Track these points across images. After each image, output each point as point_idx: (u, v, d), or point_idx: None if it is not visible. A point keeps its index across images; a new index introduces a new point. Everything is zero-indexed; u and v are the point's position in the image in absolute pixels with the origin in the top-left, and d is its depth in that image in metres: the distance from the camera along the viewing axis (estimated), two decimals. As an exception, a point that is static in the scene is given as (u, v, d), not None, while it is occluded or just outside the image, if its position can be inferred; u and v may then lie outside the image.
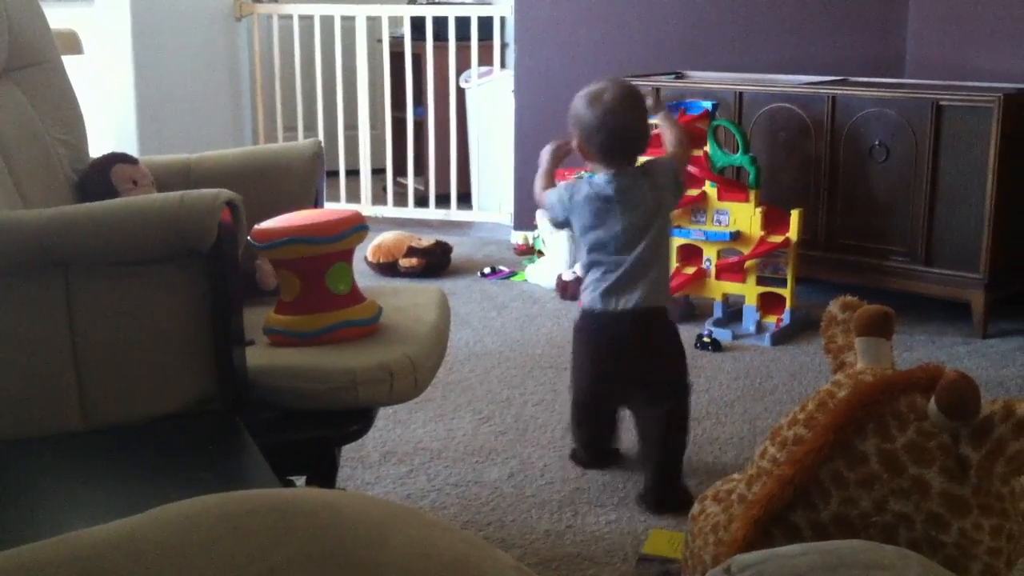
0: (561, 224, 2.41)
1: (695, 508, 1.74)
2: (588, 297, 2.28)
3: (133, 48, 4.78)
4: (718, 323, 3.43)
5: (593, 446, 2.44)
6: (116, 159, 2.11)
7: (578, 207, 2.32)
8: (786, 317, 3.36)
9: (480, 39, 4.86)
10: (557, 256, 4.00)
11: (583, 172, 4.30)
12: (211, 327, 1.63)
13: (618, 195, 2.27)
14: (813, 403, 1.58)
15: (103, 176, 2.05)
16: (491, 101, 4.96)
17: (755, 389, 2.94)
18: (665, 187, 2.33)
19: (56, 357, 1.58)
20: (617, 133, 2.29)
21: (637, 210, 2.27)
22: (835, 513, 1.51)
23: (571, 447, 2.49)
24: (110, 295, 1.60)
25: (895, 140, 3.43)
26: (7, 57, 1.99)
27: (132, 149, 4.57)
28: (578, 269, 3.87)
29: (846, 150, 3.53)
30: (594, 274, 2.28)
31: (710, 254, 3.45)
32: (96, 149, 2.21)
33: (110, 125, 4.74)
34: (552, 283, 3.93)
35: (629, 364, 2.27)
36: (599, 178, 2.32)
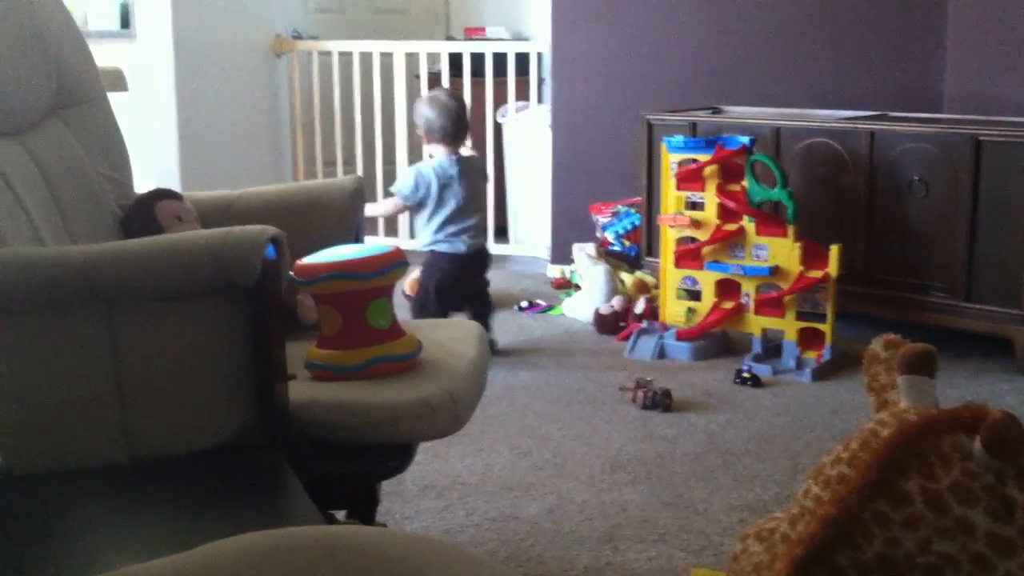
0: (418, 203, 3.52)
1: (737, 547, 1.73)
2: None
3: (176, 84, 4.86)
4: (757, 358, 3.41)
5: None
6: (161, 195, 2.14)
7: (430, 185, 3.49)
8: (826, 352, 3.34)
9: (517, 74, 4.90)
10: (594, 290, 4.00)
11: (618, 206, 4.31)
12: (253, 361, 1.64)
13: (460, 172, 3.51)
14: (856, 442, 1.57)
15: (148, 212, 2.07)
16: (527, 136, 4.98)
17: (796, 425, 2.92)
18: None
19: (101, 390, 1.60)
20: (453, 119, 3.50)
21: (471, 183, 3.54)
22: (879, 553, 1.49)
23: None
24: (154, 330, 1.62)
25: (934, 175, 3.41)
26: (55, 96, 2.03)
27: (174, 183, 4.63)
28: (615, 302, 3.87)
29: (885, 185, 3.52)
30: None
31: (748, 289, 3.44)
32: (139, 184, 2.24)
33: (153, 160, 4.81)
34: (589, 317, 3.93)
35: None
36: (443, 160, 3.51)
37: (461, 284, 3.53)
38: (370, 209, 3.63)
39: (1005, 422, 1.46)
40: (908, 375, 1.64)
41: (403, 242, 4.99)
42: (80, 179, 2.01)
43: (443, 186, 3.49)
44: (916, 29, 3.97)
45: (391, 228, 5.16)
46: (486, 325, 3.52)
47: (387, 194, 3.85)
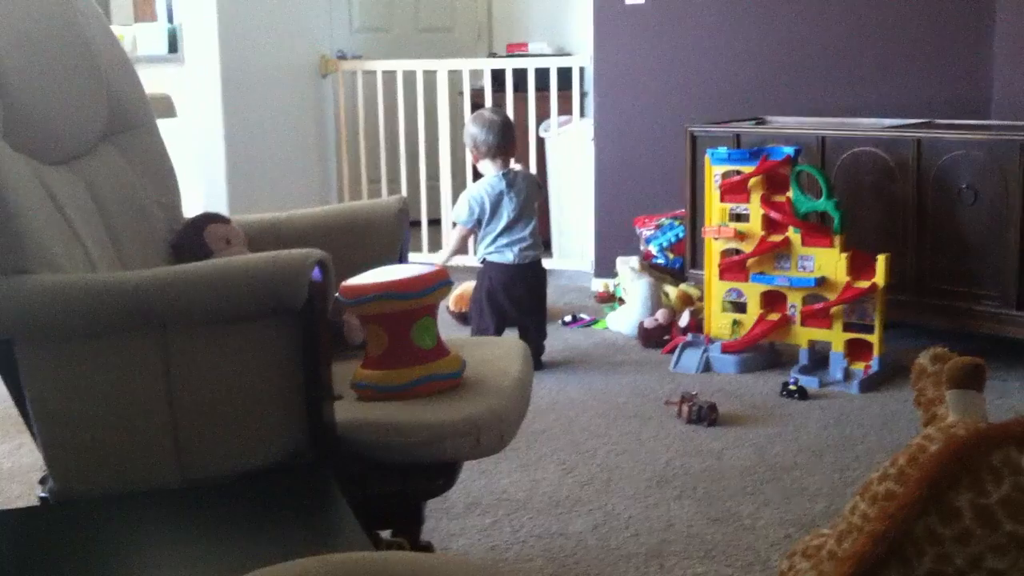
0: (476, 223, 3.61)
1: (784, 564, 1.72)
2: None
3: (223, 107, 4.94)
4: (804, 370, 3.38)
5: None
6: (209, 219, 2.17)
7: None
8: (874, 364, 3.31)
9: (559, 89, 4.91)
10: (638, 303, 3.99)
11: (662, 219, 4.30)
12: (301, 382, 1.67)
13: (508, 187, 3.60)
14: (904, 457, 1.56)
15: (197, 236, 2.11)
16: (570, 149, 4.99)
17: (844, 438, 2.90)
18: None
19: (154, 413, 1.63)
20: (498, 133, 3.58)
21: (521, 195, 3.60)
22: (929, 570, 1.47)
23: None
24: (205, 353, 1.65)
25: (983, 182, 3.37)
26: (107, 122, 2.07)
27: (222, 206, 4.71)
28: (660, 315, 3.86)
29: (933, 193, 3.48)
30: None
31: (795, 300, 3.42)
32: (188, 208, 2.28)
33: (202, 184, 4.89)
34: (633, 330, 3.92)
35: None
36: (491, 178, 3.60)
37: (512, 294, 3.56)
38: (444, 252, 3.95)
39: (1056, 436, 1.44)
40: (956, 389, 1.63)
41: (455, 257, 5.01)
42: (131, 205, 2.05)
43: (495, 203, 3.58)
44: (962, 35, 3.93)
45: (435, 244, 5.19)
46: (538, 342, 3.55)
47: (452, 225, 4.03)
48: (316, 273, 1.64)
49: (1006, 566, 1.43)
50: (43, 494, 1.72)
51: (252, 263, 1.65)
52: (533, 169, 4.95)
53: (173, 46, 4.97)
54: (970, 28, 3.91)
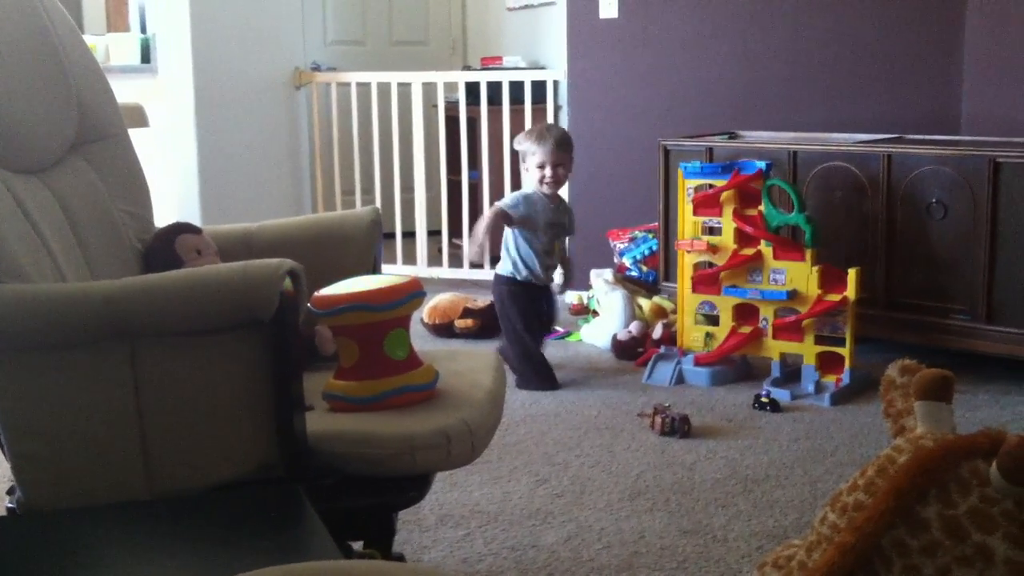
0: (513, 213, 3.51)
1: (755, 575, 1.72)
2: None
3: (196, 118, 4.92)
4: (776, 383, 3.40)
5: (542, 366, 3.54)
6: (180, 229, 2.16)
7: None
8: (845, 377, 3.33)
9: (534, 102, 4.93)
10: (612, 316, 4.00)
11: (636, 232, 4.32)
12: (272, 394, 1.66)
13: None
14: (873, 468, 1.57)
15: (168, 246, 2.10)
16: (545, 163, 4.99)
17: (815, 451, 2.91)
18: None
19: (121, 425, 1.62)
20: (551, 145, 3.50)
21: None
22: (898, 581, 1.48)
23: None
24: (175, 364, 1.64)
25: (953, 197, 3.41)
26: (76, 132, 2.06)
27: (194, 216, 4.69)
28: (633, 328, 3.87)
29: (903, 208, 3.51)
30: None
31: (767, 313, 3.43)
32: (160, 218, 2.27)
33: (173, 194, 4.87)
34: (607, 343, 3.93)
35: None
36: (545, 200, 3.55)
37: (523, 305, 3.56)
38: (478, 228, 3.54)
39: (1022, 448, 1.45)
40: (925, 401, 1.64)
41: (420, 269, 5.02)
42: (101, 215, 2.04)
43: (532, 216, 3.52)
44: (932, 51, 3.98)
45: (409, 256, 5.19)
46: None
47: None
48: (287, 284, 1.64)
49: (973, 577, 1.44)
50: (10, 505, 1.70)
51: (222, 273, 1.65)
52: (507, 182, 4.97)
53: (146, 56, 4.95)
54: (940, 45, 3.96)
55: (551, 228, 3.55)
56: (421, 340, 3.77)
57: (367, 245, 2.26)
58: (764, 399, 3.25)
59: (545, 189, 3.52)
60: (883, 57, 4.06)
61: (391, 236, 5.14)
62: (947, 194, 3.42)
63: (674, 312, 3.86)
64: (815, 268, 3.34)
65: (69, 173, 2.01)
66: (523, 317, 3.54)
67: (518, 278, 3.54)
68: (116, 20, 5.51)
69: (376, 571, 0.80)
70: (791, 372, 3.44)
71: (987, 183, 3.31)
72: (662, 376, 3.54)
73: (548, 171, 3.49)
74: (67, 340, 1.61)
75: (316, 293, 1.86)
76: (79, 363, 1.61)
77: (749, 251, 3.44)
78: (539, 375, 3.53)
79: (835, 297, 3.30)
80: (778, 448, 2.93)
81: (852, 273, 3.29)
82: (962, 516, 1.47)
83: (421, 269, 5.06)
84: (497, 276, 3.64)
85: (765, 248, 3.42)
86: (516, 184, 5.12)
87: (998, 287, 3.34)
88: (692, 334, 3.59)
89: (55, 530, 1.47)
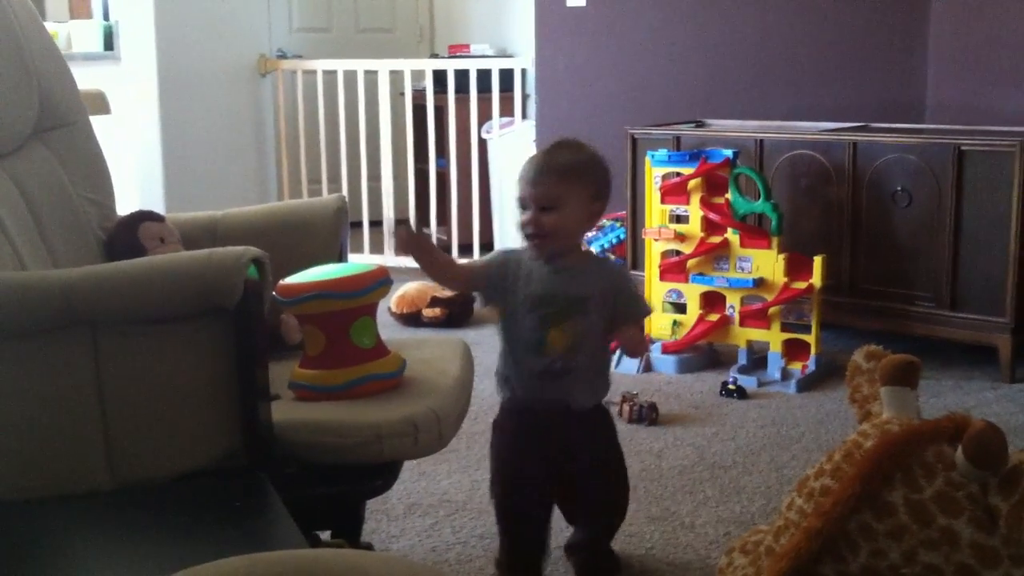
0: None
1: (723, 560, 1.73)
2: None
3: (160, 105, 4.87)
4: (743, 370, 3.41)
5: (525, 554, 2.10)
6: (143, 217, 2.14)
7: None
8: (811, 363, 3.35)
9: (501, 91, 4.91)
10: (580, 305, 3.99)
11: (603, 220, 4.32)
12: (236, 383, 1.64)
13: None
14: (839, 453, 1.58)
15: (130, 234, 2.08)
16: (512, 151, 4.99)
17: (782, 437, 2.92)
18: None
19: (83, 415, 1.60)
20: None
21: None
22: (864, 565, 1.49)
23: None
24: (137, 352, 1.62)
25: (917, 185, 3.43)
26: (37, 119, 2.03)
27: (158, 205, 4.63)
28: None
29: (868, 196, 3.53)
30: None
31: (733, 301, 3.44)
32: (123, 205, 2.24)
33: (136, 181, 4.81)
34: (576, 332, 3.91)
35: None
36: None
37: None
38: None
39: (987, 432, 1.47)
40: (890, 386, 1.65)
41: (387, 258, 5.00)
42: (62, 202, 2.01)
43: (503, 286, 2.33)
44: (897, 40, 4.00)
45: (376, 245, 5.16)
46: None
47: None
48: (252, 271, 1.62)
49: (939, 560, 1.46)
50: (-30, 497, 1.67)
51: (185, 261, 1.63)
52: (475, 171, 4.95)
53: (109, 44, 4.88)
54: (905, 34, 3.98)
55: (543, 305, 1.97)
56: (389, 329, 3.75)
57: (333, 233, 2.25)
58: (731, 386, 3.27)
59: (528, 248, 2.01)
60: (848, 46, 4.07)
61: (358, 225, 5.12)
62: (912, 182, 3.44)
63: (642, 300, 3.86)
64: (781, 256, 3.35)
65: (29, 160, 1.98)
66: (506, 464, 2.08)
67: (501, 397, 2.06)
68: (79, 7, 5.43)
69: (343, 560, 0.79)
70: (758, 359, 3.45)
71: (951, 171, 3.34)
72: (630, 364, 3.54)
73: (528, 214, 2.00)
74: (27, 329, 1.58)
75: (281, 281, 1.84)
76: (39, 352, 1.59)
77: (716, 239, 3.45)
78: (513, 567, 2.10)
79: (801, 284, 3.32)
80: (745, 435, 2.94)
81: (818, 261, 3.31)
82: (928, 500, 1.48)
83: (388, 258, 5.03)
84: None
85: (732, 236, 3.43)
86: (484, 174, 5.13)
87: (962, 274, 3.37)
88: (660, 322, 3.60)
89: (17, 520, 1.45)
